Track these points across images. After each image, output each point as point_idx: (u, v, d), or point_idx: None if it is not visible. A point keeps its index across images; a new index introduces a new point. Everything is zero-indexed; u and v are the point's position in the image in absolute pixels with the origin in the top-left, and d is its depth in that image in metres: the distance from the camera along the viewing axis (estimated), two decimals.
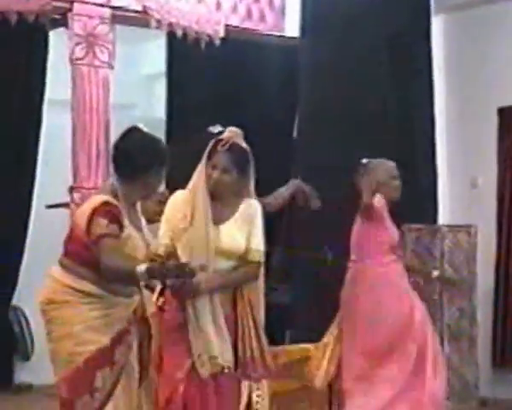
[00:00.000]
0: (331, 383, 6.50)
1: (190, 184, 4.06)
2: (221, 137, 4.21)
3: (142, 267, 3.70)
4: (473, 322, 7.43)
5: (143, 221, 4.12)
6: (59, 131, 7.32)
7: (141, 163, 3.97)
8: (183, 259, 4.04)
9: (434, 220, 7.74)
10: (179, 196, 4.11)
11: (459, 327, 7.39)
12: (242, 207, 4.20)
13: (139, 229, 4.02)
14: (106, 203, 3.91)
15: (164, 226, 4.05)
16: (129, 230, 3.94)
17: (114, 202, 3.93)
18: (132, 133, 4.04)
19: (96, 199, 3.96)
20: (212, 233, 4.01)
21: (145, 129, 4.07)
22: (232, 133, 4.23)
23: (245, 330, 4.16)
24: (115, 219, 3.89)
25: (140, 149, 3.98)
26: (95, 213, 3.88)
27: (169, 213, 4.05)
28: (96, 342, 3.86)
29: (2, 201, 7.77)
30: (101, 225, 3.85)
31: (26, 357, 8.29)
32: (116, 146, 4.06)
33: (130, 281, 3.86)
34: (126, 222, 3.94)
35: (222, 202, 4.15)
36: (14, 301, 8.22)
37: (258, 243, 4.16)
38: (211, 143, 4.18)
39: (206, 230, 4.00)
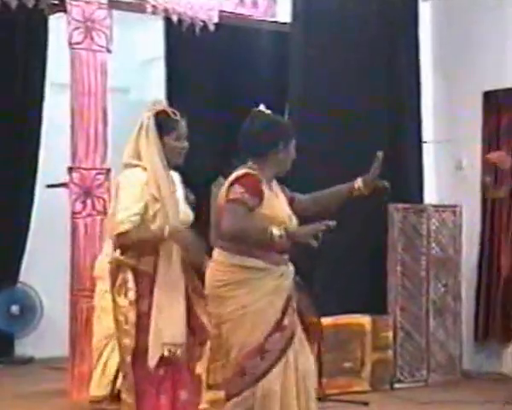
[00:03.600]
0: (320, 355, 6.75)
1: (147, 164, 4.08)
2: (161, 108, 4.21)
3: (278, 230, 4.00)
4: (457, 298, 7.63)
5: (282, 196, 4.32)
6: (60, 112, 7.43)
7: (267, 141, 4.20)
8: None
9: (421, 200, 7.88)
10: (141, 175, 4.09)
11: (444, 303, 7.60)
12: None
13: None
14: (247, 174, 4.14)
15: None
16: (271, 199, 4.17)
17: (255, 173, 4.15)
18: (256, 116, 4.26)
19: (239, 171, 4.18)
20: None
21: (267, 111, 4.28)
22: (163, 102, 4.35)
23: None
24: (253, 190, 4.09)
25: (264, 128, 4.21)
26: (235, 182, 4.11)
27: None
28: (268, 324, 4.08)
29: (7, 181, 7.98)
30: (236, 191, 4.06)
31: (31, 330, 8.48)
32: (243, 130, 4.28)
33: (261, 242, 4.04)
34: (267, 194, 4.16)
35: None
36: (21, 278, 8.43)
37: None
38: (153, 117, 4.13)
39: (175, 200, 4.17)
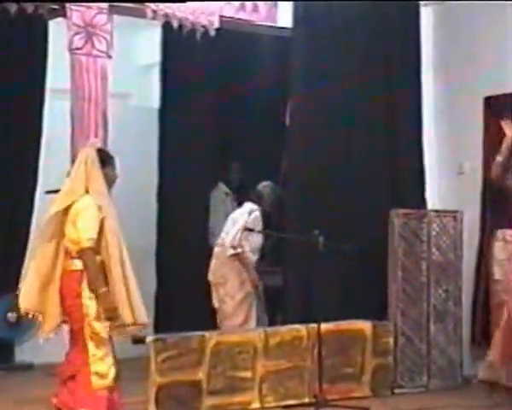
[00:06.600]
0: (321, 361, 6.75)
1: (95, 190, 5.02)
2: (100, 147, 5.23)
3: None
4: (458, 303, 7.61)
5: None
6: (61, 118, 7.38)
7: None
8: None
9: (420, 206, 7.85)
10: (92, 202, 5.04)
11: (445, 308, 7.58)
12: None
13: None
14: None
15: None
16: None
17: None
18: None
19: None
20: None
21: None
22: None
23: None
24: None
25: None
26: None
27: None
28: None
29: (6, 187, 7.96)
30: None
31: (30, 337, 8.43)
32: None
33: None
34: None
35: None
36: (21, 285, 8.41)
37: None
38: (95, 154, 5.09)
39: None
